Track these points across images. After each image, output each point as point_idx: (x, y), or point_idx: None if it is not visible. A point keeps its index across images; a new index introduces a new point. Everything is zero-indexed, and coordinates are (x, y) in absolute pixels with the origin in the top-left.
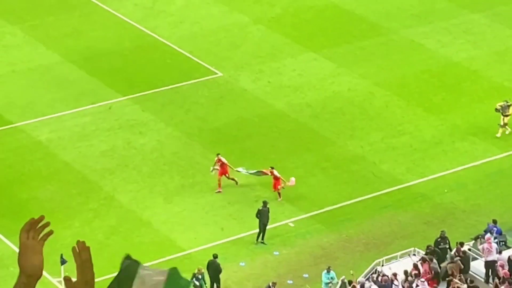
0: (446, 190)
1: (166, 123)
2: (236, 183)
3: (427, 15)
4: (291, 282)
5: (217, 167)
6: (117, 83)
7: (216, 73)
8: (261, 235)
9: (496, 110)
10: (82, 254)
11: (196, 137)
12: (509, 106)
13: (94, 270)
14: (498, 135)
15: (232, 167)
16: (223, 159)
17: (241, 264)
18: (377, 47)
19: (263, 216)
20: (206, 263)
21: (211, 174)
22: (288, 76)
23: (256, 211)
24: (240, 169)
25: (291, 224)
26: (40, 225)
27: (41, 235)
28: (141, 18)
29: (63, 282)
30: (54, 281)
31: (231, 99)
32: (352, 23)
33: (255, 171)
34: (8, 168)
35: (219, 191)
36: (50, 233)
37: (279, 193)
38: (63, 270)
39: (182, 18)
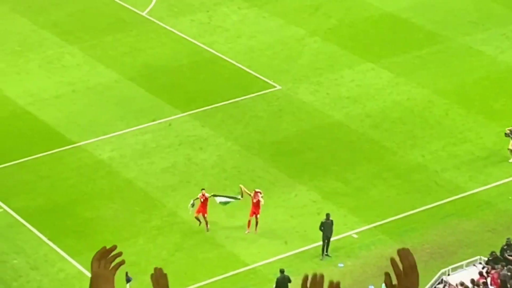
0: (510, 197)
1: (226, 137)
2: (199, 223)
3: (484, 21)
4: None
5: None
6: (176, 99)
7: (275, 86)
8: (325, 247)
9: (506, 135)
10: (160, 282)
11: (256, 150)
12: None
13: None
14: (511, 160)
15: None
16: (207, 195)
17: None
18: (435, 55)
19: (326, 228)
20: (270, 277)
21: (189, 209)
22: (347, 87)
23: (319, 223)
24: (218, 199)
25: (355, 236)
26: (112, 254)
27: (112, 264)
28: (198, 34)
29: None
30: None
31: (290, 111)
32: (409, 32)
33: (231, 197)
34: (71, 187)
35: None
36: (122, 263)
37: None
38: (128, 287)
39: (239, 33)
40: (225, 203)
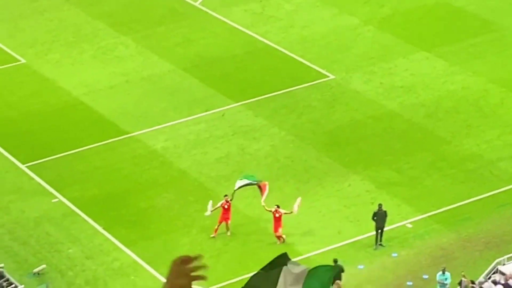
0: None
1: (279, 127)
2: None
3: None
4: (410, 283)
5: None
6: (229, 89)
7: (328, 76)
8: (379, 237)
9: None
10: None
11: (310, 140)
12: None
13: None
14: None
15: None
16: (229, 201)
17: (359, 267)
18: (490, 44)
19: (379, 219)
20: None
21: (206, 215)
22: (400, 76)
23: (372, 213)
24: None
25: (409, 225)
26: (195, 265)
27: (193, 274)
28: (251, 24)
29: None
30: None
31: (343, 101)
32: (464, 20)
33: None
34: (125, 177)
35: (213, 236)
36: (204, 278)
37: (278, 237)
38: None
39: (292, 23)
40: (244, 185)
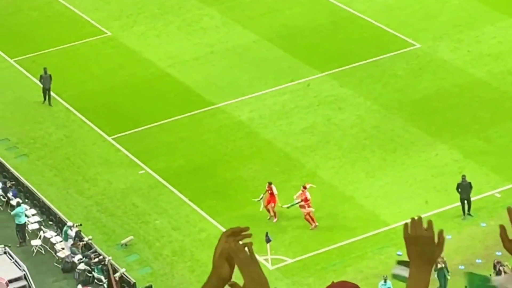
0: None
1: (365, 97)
2: (269, 217)
3: None
4: (499, 253)
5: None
6: (314, 59)
7: (414, 45)
8: (466, 208)
9: None
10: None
11: (396, 110)
12: None
13: (299, 247)
14: None
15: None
16: (274, 190)
17: (447, 237)
18: None
19: (463, 190)
20: None
21: (256, 200)
22: (488, 44)
23: (459, 182)
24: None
25: (498, 195)
26: (243, 233)
27: (240, 242)
28: None
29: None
30: (261, 259)
31: (430, 70)
32: None
33: (295, 202)
34: (211, 148)
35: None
36: (249, 244)
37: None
38: (269, 248)
39: None
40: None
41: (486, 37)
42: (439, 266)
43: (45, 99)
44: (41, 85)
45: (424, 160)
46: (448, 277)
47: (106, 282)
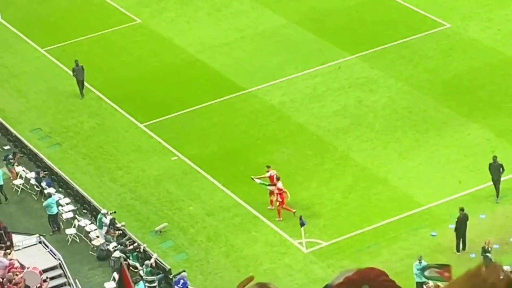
0: None
1: (396, 78)
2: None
3: None
4: None
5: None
6: (344, 42)
7: (444, 25)
8: (496, 191)
9: None
10: None
11: (427, 90)
12: None
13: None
14: None
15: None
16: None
17: (481, 216)
18: None
19: (493, 171)
20: (445, 217)
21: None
22: None
23: (493, 162)
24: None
25: None
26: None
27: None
28: None
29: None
30: (295, 242)
31: (460, 49)
32: None
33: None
34: (243, 133)
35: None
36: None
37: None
38: (303, 232)
39: None
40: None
41: None
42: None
43: (81, 92)
44: (74, 78)
45: (456, 140)
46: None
47: (118, 278)
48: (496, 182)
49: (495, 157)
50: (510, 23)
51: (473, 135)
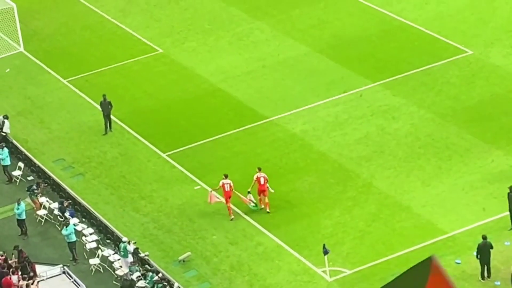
0: None
1: (418, 105)
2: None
3: None
4: None
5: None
6: (366, 69)
7: (466, 52)
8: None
9: None
10: None
11: (450, 117)
12: None
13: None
14: None
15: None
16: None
17: (506, 243)
18: None
19: (510, 201)
20: (470, 244)
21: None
22: None
23: (508, 193)
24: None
25: None
26: None
27: None
28: (385, 2)
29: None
30: (319, 271)
31: (483, 76)
32: None
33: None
34: (265, 162)
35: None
36: None
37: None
38: (326, 260)
39: None
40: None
41: None
42: None
43: (106, 126)
44: (101, 111)
45: (480, 167)
46: None
47: None
48: (510, 212)
49: (511, 187)
50: None
51: (497, 161)
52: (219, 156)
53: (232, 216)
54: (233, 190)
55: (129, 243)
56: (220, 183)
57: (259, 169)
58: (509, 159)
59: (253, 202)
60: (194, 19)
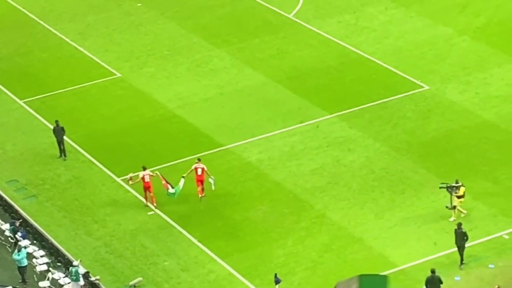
0: None
1: (374, 138)
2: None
3: None
4: None
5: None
6: (323, 101)
7: (423, 87)
8: (460, 256)
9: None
10: None
11: (405, 151)
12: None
13: None
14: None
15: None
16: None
17: (456, 278)
18: None
19: (457, 237)
20: (420, 278)
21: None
22: (496, 86)
23: (469, 224)
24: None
25: (506, 236)
26: None
27: None
28: (345, 35)
29: None
30: None
31: (438, 111)
32: None
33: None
34: (220, 189)
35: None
36: None
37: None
38: None
39: (386, 33)
40: (173, 193)
41: (494, 79)
42: None
43: (60, 151)
44: (55, 137)
45: (433, 201)
46: None
47: None
48: (460, 248)
49: (459, 224)
50: (488, 86)
51: (450, 197)
52: (174, 182)
53: (201, 195)
54: (157, 173)
55: (78, 266)
56: (193, 167)
57: (199, 160)
58: None
59: (171, 188)
60: (154, 45)
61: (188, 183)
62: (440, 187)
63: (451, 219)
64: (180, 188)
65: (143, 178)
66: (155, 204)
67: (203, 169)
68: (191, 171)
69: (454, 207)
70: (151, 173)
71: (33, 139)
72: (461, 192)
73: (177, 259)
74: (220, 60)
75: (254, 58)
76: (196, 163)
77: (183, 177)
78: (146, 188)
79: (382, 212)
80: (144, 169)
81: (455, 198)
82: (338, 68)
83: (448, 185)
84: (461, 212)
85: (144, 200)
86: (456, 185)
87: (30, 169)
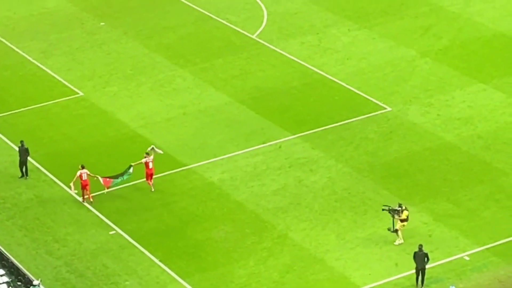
0: None
1: (336, 159)
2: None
3: None
4: None
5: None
6: (286, 121)
7: (385, 108)
8: (420, 278)
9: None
10: None
11: (367, 172)
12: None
13: None
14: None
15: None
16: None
17: None
18: None
19: (418, 260)
20: None
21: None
22: (458, 108)
23: (430, 245)
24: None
25: (466, 258)
26: None
27: None
28: (308, 56)
29: None
30: None
31: (400, 133)
32: None
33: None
34: (182, 209)
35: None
36: None
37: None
38: None
39: (349, 55)
40: (120, 182)
41: (455, 101)
42: None
43: (21, 171)
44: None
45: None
46: None
47: None
48: (421, 271)
49: (420, 246)
50: (450, 108)
51: (411, 218)
52: (136, 201)
53: (152, 189)
54: (97, 177)
55: (39, 286)
56: (78, 173)
57: (147, 154)
58: (422, 216)
59: (117, 179)
60: (117, 64)
61: (148, 202)
62: (383, 209)
63: (396, 242)
64: (130, 172)
65: (80, 176)
66: (91, 200)
67: (152, 162)
68: (140, 163)
69: (396, 231)
70: (88, 172)
71: None
72: (404, 215)
73: (138, 279)
74: (183, 80)
75: (217, 78)
76: (145, 157)
77: (131, 165)
78: (84, 186)
79: (344, 233)
80: (82, 167)
81: (398, 222)
82: (301, 88)
83: (390, 207)
84: (399, 238)
85: (80, 198)
86: (398, 208)
87: None
